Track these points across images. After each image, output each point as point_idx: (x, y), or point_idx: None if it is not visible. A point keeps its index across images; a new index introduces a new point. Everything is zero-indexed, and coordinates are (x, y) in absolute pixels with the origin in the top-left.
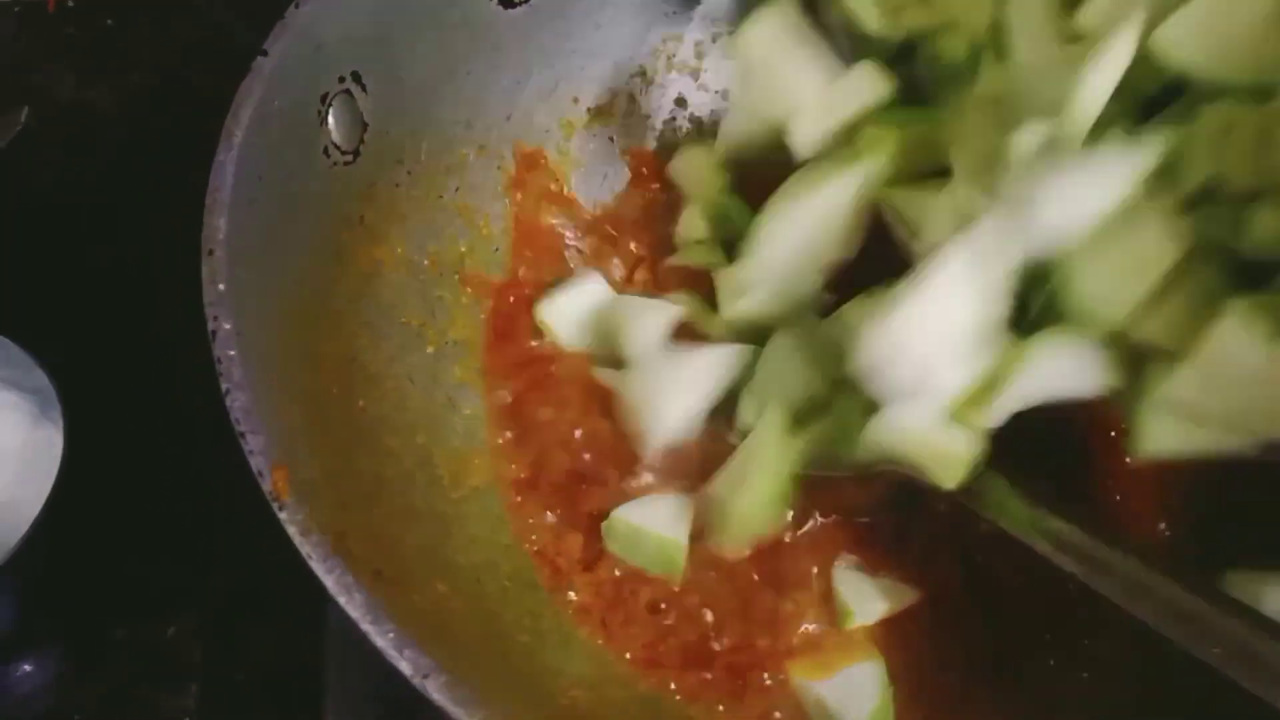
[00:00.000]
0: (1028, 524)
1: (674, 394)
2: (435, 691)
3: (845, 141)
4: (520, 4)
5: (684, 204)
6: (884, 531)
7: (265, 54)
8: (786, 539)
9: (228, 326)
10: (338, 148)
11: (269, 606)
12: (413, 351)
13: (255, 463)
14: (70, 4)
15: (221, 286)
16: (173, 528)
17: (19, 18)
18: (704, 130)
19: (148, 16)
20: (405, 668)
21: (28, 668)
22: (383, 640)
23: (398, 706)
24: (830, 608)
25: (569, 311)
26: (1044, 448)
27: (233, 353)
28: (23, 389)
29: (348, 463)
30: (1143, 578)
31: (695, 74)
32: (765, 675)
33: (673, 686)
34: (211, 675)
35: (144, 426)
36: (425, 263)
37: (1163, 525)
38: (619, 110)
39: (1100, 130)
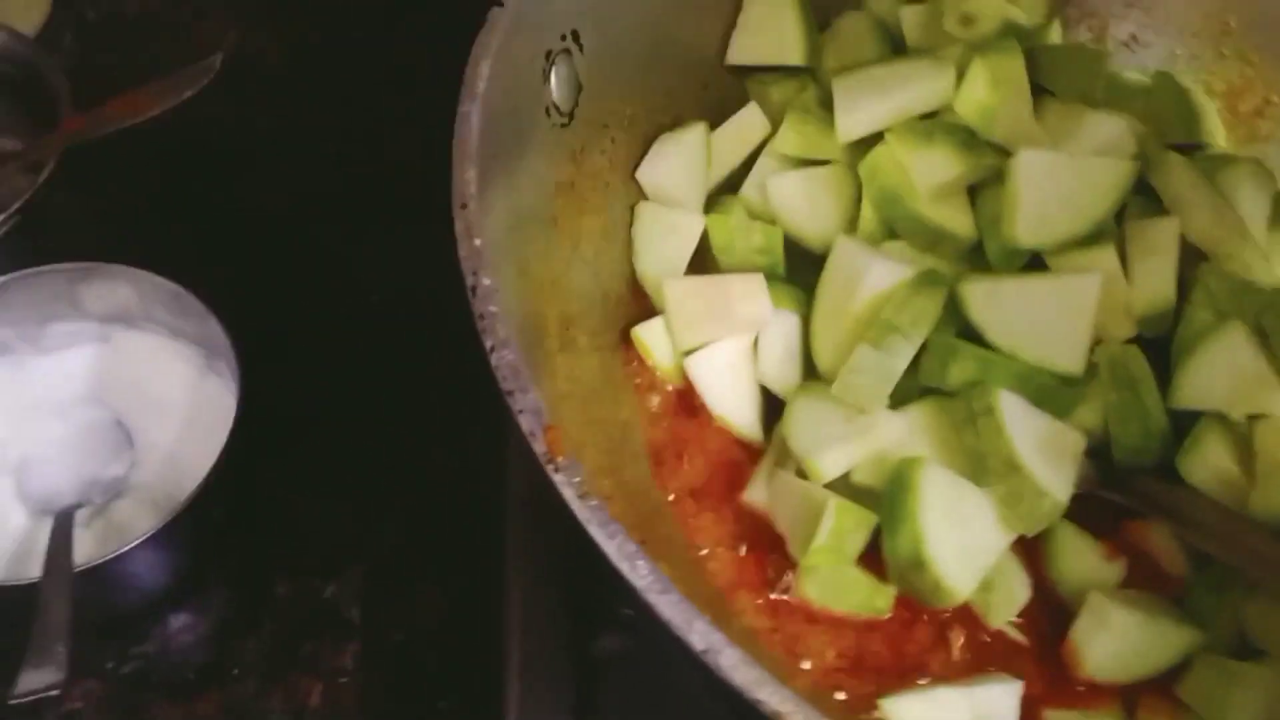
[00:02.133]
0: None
1: None
2: (727, 669)
3: None
4: None
5: None
6: None
7: (501, 4)
8: None
9: (487, 282)
10: (557, 108)
11: (434, 567)
12: (610, 326)
13: (525, 422)
14: None
15: (478, 241)
16: (340, 485)
17: None
18: None
19: None
20: (696, 641)
21: (188, 619)
22: (672, 612)
23: (589, 672)
24: None
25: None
26: None
27: (494, 309)
28: (194, 340)
29: (587, 427)
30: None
31: None
32: None
33: None
34: (371, 634)
35: (316, 382)
36: (623, 236)
37: None
38: None
39: None
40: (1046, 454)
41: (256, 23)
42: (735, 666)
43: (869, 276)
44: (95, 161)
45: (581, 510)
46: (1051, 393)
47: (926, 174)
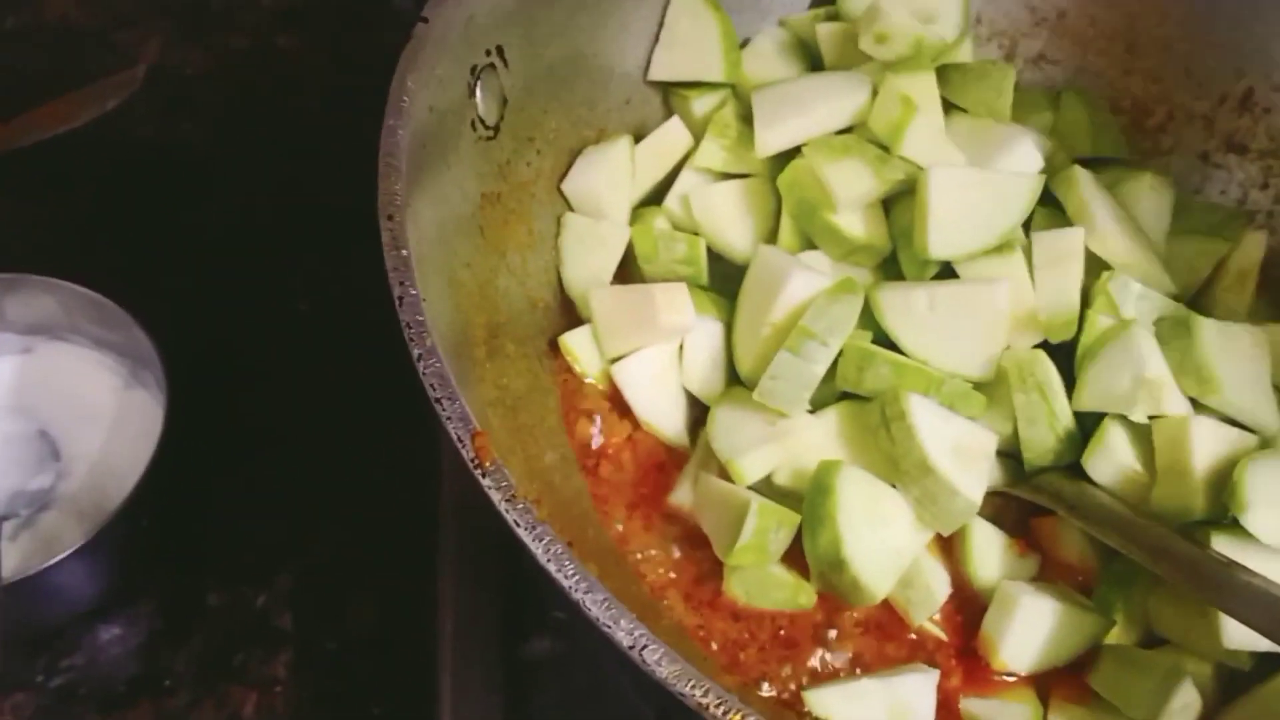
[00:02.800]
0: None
1: None
2: (654, 663)
3: None
4: None
5: None
6: None
7: (425, 21)
8: None
9: (414, 292)
10: (483, 122)
11: (366, 575)
12: (538, 334)
13: (454, 429)
14: None
15: (404, 252)
16: (271, 493)
17: None
18: None
19: None
20: (623, 637)
21: (118, 630)
22: (598, 609)
23: (520, 675)
24: None
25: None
26: None
27: (421, 318)
28: (119, 350)
29: (515, 434)
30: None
31: None
32: None
33: None
34: (304, 643)
35: (245, 391)
36: (549, 246)
37: None
38: None
39: None
40: (959, 456)
41: (180, 31)
42: (660, 661)
43: (789, 286)
44: (18, 171)
45: (510, 513)
46: (963, 397)
47: (842, 187)
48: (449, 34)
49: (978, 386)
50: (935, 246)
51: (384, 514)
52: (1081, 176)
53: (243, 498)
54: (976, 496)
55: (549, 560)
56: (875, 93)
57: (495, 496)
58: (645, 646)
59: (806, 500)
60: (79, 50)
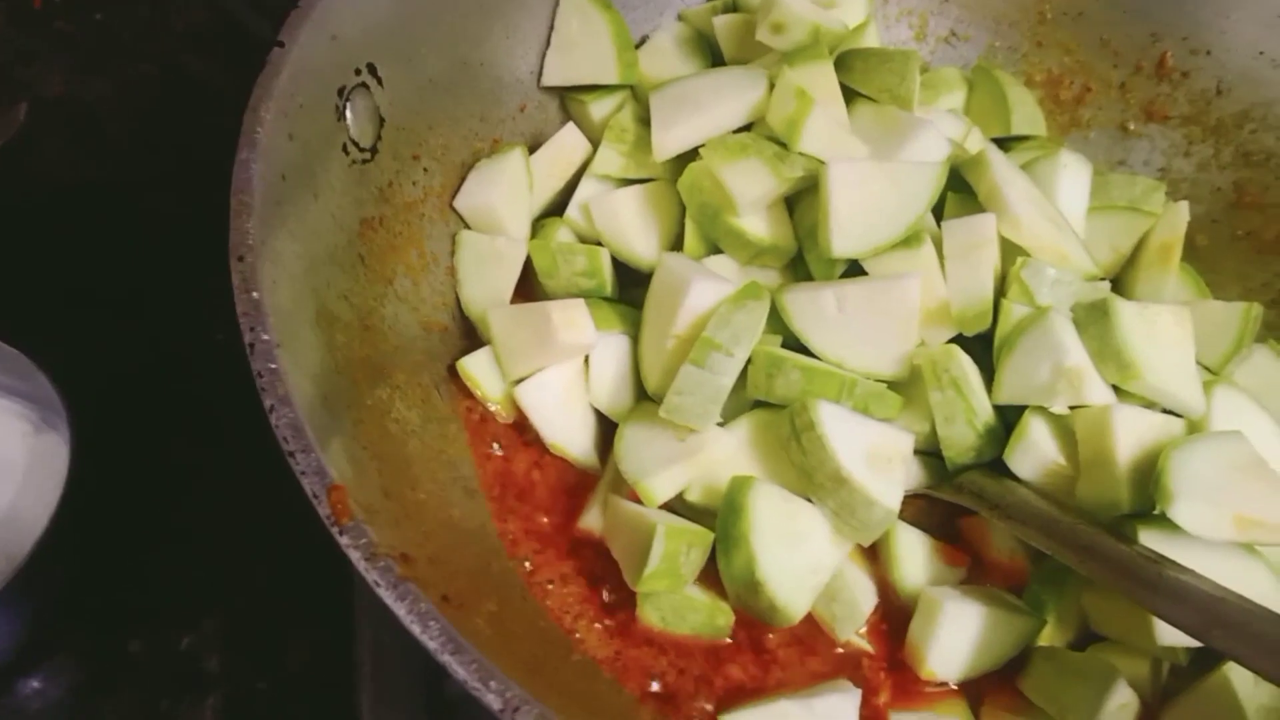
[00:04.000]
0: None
1: None
2: None
3: None
4: None
5: None
6: None
7: (281, 45)
8: None
9: (266, 338)
10: (355, 144)
11: (288, 612)
12: (435, 360)
13: (308, 484)
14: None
15: (256, 295)
16: (186, 536)
17: (5, 12)
18: None
19: (145, 6)
20: (492, 700)
21: (37, 684)
22: (465, 672)
23: (438, 711)
24: None
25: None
26: None
27: (274, 365)
28: (25, 396)
29: (392, 478)
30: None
31: None
32: None
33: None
34: (232, 684)
35: (152, 432)
36: (444, 267)
37: None
38: None
39: None
40: (874, 462)
41: (84, 63)
42: None
43: (690, 295)
44: None
45: (370, 572)
46: (877, 398)
47: (741, 188)
48: (311, 56)
49: (893, 386)
50: (839, 244)
51: (309, 548)
52: (993, 159)
53: (167, 540)
54: (894, 504)
55: (413, 621)
56: (773, 86)
57: (354, 555)
58: (518, 709)
59: (719, 520)
60: None
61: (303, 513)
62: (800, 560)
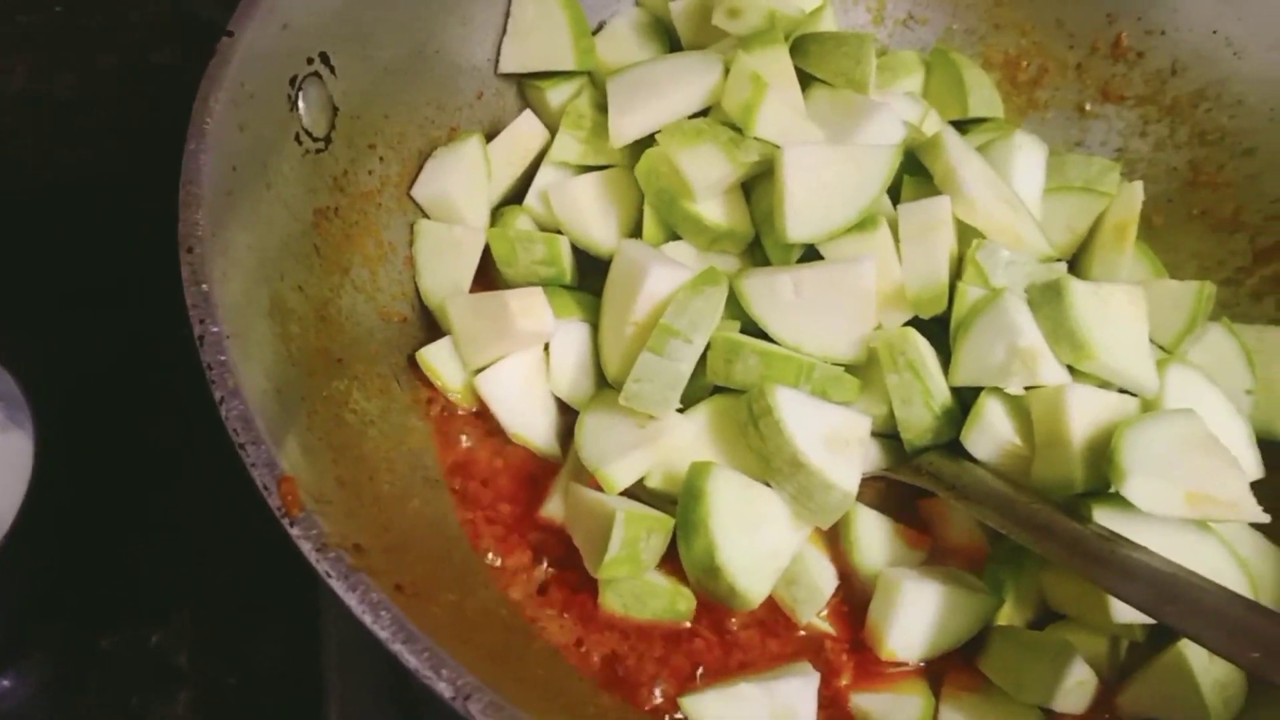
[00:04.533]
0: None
1: None
2: (478, 713)
3: None
4: None
5: None
6: None
7: (230, 34)
8: None
9: (215, 330)
10: (309, 134)
11: (258, 607)
12: (395, 350)
13: (259, 476)
14: None
15: (205, 287)
16: (154, 531)
17: None
18: None
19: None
20: (444, 689)
21: (7, 683)
22: (417, 660)
23: (406, 706)
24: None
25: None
26: None
27: (224, 358)
28: None
29: (349, 468)
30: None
31: None
32: None
33: None
34: (201, 681)
35: (121, 429)
36: (402, 257)
37: None
38: None
39: None
40: (831, 445)
41: (47, 55)
42: (485, 711)
43: (648, 281)
44: None
45: (320, 563)
46: (835, 381)
47: (697, 174)
48: (260, 45)
49: (851, 370)
50: (794, 229)
51: (279, 542)
52: (948, 141)
53: (136, 536)
54: (852, 486)
55: (364, 611)
56: (728, 70)
57: (304, 546)
58: (469, 696)
59: (679, 506)
60: None
61: (269, 508)
62: (760, 545)
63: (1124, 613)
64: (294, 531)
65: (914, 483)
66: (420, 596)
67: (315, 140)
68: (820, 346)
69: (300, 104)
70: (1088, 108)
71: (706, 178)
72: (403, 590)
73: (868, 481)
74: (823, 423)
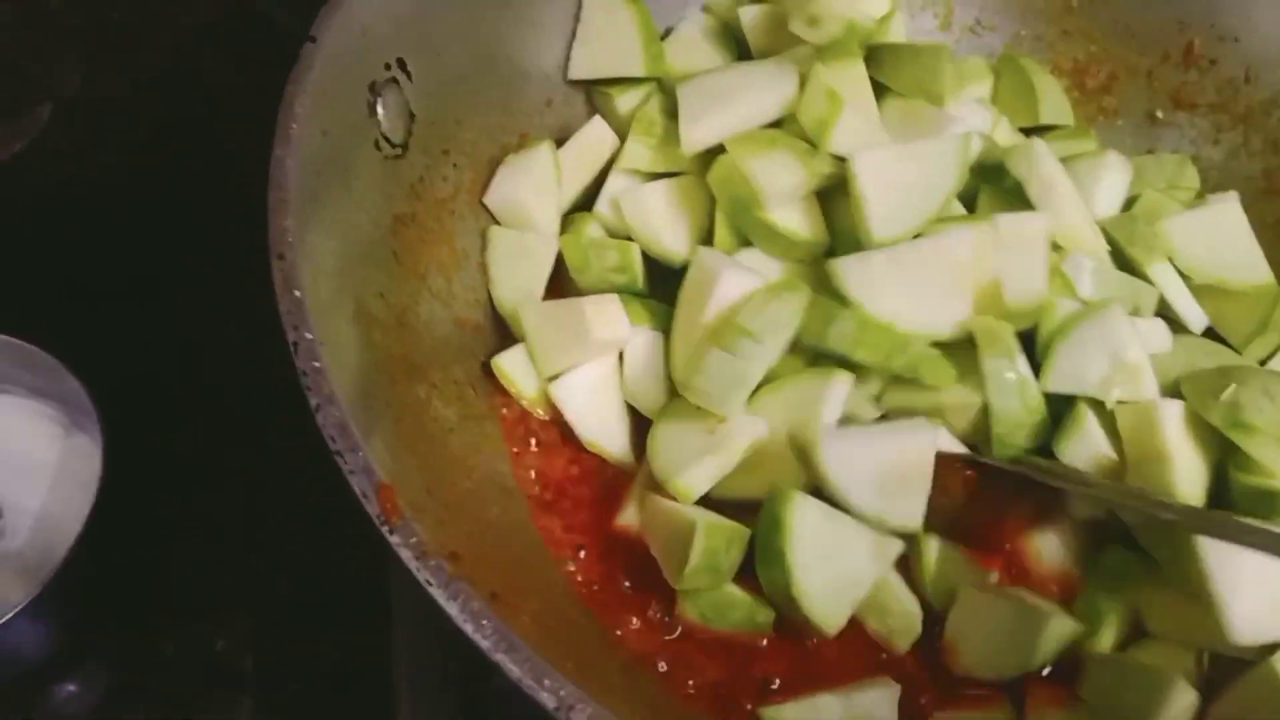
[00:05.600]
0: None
1: None
2: None
3: None
4: None
5: None
6: None
7: (314, 40)
8: None
9: (309, 337)
10: (387, 140)
11: (322, 612)
12: (469, 357)
13: (357, 483)
14: None
15: (298, 293)
16: (218, 536)
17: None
18: None
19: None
20: (546, 699)
21: (73, 688)
22: (520, 671)
23: (477, 709)
24: None
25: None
26: None
27: (318, 364)
28: (54, 398)
29: (434, 475)
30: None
31: None
32: None
33: None
34: (266, 685)
35: (182, 433)
36: (475, 264)
37: None
38: None
39: None
40: (886, 488)
41: (101, 62)
42: None
43: (719, 286)
44: None
45: (421, 571)
46: (931, 364)
47: (768, 182)
48: (342, 51)
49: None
50: (879, 229)
51: (341, 546)
52: (1040, 152)
53: (197, 540)
54: (916, 523)
55: (465, 620)
56: (803, 81)
57: (405, 555)
58: (573, 707)
59: (759, 531)
60: None
61: (334, 511)
62: (840, 574)
63: (1242, 635)
64: (394, 539)
65: (1010, 469)
66: (511, 605)
67: (394, 146)
68: (915, 322)
69: (379, 110)
70: (1159, 115)
71: (778, 186)
72: (497, 599)
73: (941, 506)
74: (873, 460)
